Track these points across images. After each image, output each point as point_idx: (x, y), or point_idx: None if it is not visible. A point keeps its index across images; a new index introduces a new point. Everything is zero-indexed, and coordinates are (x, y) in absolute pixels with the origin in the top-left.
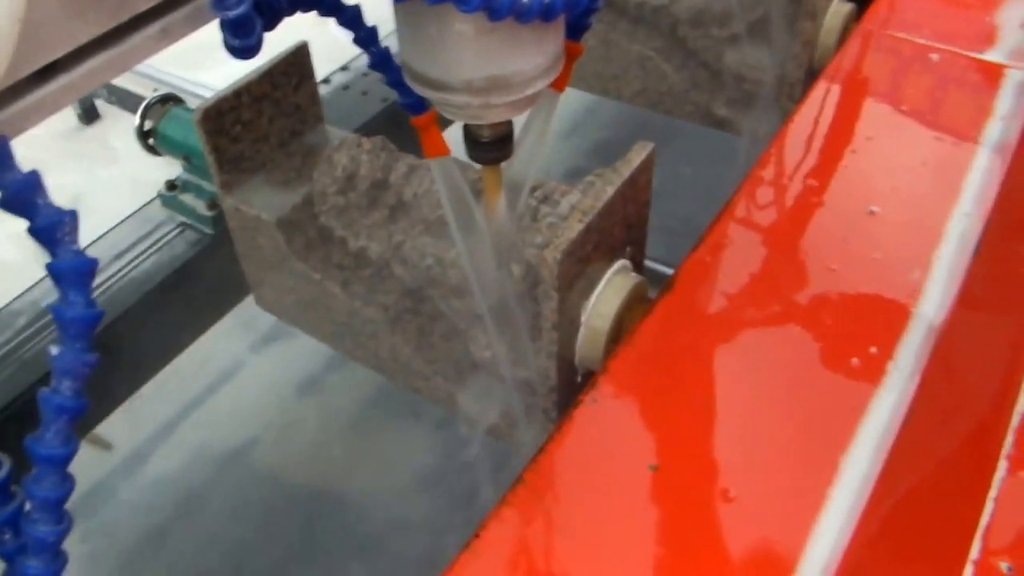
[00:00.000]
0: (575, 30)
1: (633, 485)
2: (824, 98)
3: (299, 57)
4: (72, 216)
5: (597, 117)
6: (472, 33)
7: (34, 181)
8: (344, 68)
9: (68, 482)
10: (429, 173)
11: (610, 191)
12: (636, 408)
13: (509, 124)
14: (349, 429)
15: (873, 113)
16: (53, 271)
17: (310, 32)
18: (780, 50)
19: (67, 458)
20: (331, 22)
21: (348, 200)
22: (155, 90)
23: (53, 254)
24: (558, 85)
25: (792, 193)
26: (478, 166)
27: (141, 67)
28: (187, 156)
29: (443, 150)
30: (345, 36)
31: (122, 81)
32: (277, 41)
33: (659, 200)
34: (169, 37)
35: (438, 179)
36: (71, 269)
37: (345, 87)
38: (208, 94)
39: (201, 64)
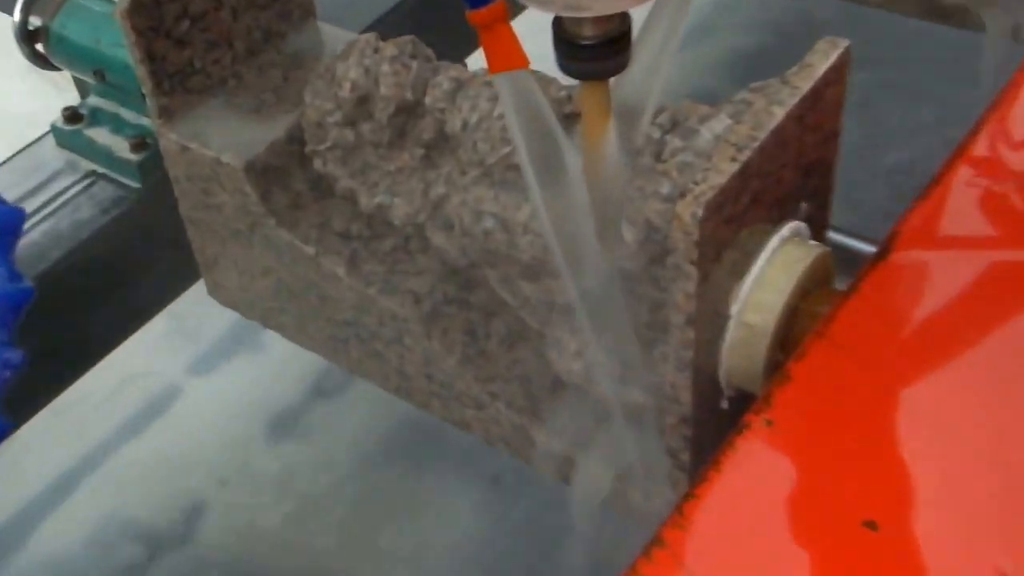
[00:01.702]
0: None
1: (837, 550)
2: None
3: None
4: None
5: (735, 14)
6: None
7: None
8: None
9: None
10: (487, 90)
11: (779, 114)
12: (836, 435)
13: (624, 19)
14: (349, 489)
15: None
16: None
17: None
18: None
19: None
20: None
21: (360, 134)
22: None
23: None
24: None
25: None
26: (569, 82)
27: None
28: (99, 70)
29: (517, 60)
30: None
31: None
32: None
33: (846, 139)
34: None
35: (507, 105)
36: None
37: None
38: None
39: None
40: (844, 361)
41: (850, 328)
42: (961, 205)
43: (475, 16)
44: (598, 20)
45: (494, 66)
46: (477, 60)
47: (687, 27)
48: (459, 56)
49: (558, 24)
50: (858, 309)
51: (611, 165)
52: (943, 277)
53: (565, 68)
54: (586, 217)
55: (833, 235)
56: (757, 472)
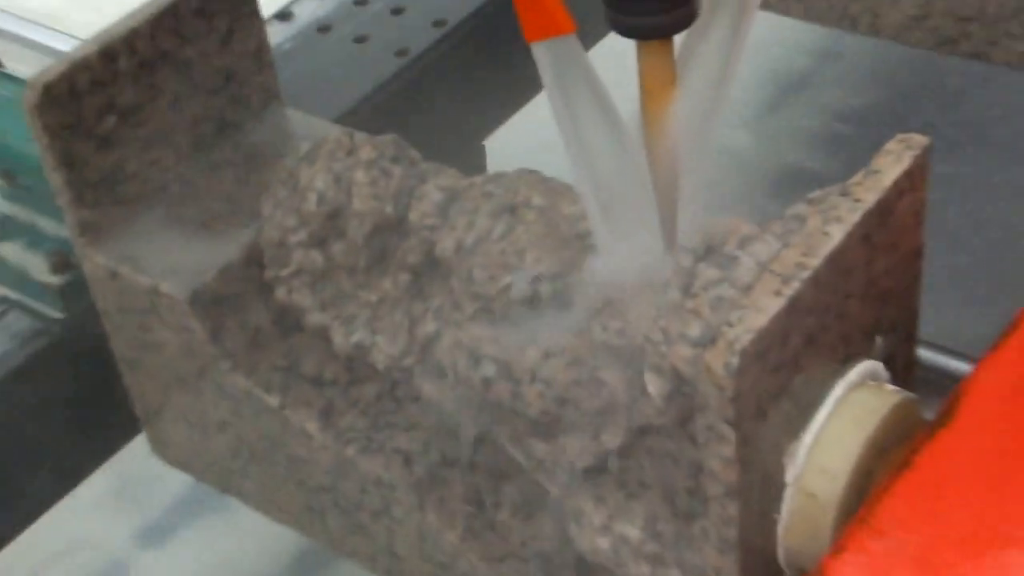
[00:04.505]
0: None
1: None
2: None
3: None
4: None
5: (839, 65)
6: None
7: None
8: None
9: None
10: (487, 203)
11: (836, 235)
12: None
13: None
14: None
15: None
16: None
17: None
18: None
19: None
20: None
21: (331, 257)
22: None
23: None
24: None
25: None
26: None
27: None
28: (8, 172)
29: (561, 23)
30: None
31: None
32: None
33: (952, 233)
34: None
35: (550, 82)
36: None
37: (324, 27)
38: (45, 39)
39: None
40: (891, 556)
41: (900, 514)
42: None
43: None
44: None
45: (531, 32)
46: (501, 137)
47: (783, 76)
48: (476, 137)
49: None
50: (911, 489)
51: (678, 144)
52: (1020, 449)
53: (618, 25)
54: (647, 209)
55: (926, 353)
56: None
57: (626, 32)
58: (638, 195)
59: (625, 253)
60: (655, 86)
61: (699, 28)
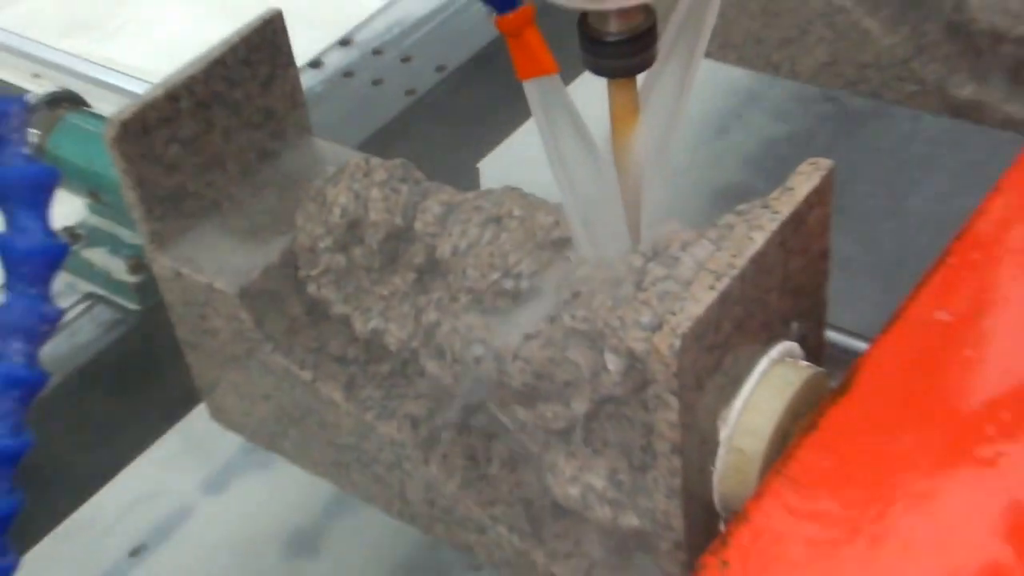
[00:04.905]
0: None
1: None
2: None
3: (270, 33)
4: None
5: (763, 103)
6: None
7: None
8: (345, 42)
9: None
10: (477, 215)
11: (759, 240)
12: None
13: (649, 15)
14: None
15: None
16: None
17: None
18: None
19: None
20: None
21: (352, 259)
22: (35, 76)
23: None
24: None
25: None
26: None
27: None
28: (94, 191)
29: (545, 66)
30: None
31: None
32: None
33: (857, 238)
34: None
35: (537, 111)
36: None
37: (347, 73)
38: (123, 83)
39: (108, 29)
40: (801, 501)
41: (808, 467)
42: (922, 340)
43: (502, 22)
44: (622, 15)
45: (523, 72)
46: (491, 160)
47: (713, 117)
48: (451, 174)
49: (584, 22)
50: (818, 446)
51: (641, 162)
52: (904, 413)
53: (592, 67)
54: (617, 215)
55: (835, 336)
56: None
57: (599, 71)
58: (609, 204)
59: (599, 252)
60: (622, 116)
61: (657, 69)
